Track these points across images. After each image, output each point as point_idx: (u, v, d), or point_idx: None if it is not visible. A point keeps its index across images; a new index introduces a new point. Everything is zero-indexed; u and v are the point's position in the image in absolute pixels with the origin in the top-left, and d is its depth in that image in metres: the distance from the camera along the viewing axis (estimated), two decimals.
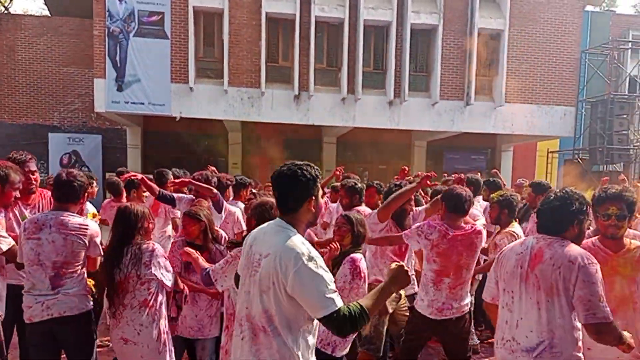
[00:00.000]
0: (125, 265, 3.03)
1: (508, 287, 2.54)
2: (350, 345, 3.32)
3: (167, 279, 3.14)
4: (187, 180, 4.55)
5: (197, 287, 3.52)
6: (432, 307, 3.64)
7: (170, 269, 3.21)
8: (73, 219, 3.19)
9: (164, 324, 3.18)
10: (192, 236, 3.58)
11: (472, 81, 12.89)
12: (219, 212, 4.45)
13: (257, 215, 3.02)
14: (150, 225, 3.25)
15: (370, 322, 4.06)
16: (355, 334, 3.16)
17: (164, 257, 3.20)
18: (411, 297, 4.20)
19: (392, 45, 12.51)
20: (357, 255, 3.26)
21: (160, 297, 3.15)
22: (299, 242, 2.03)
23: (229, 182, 5.20)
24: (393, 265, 2.18)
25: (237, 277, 2.34)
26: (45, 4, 16.12)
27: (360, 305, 1.98)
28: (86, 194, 3.43)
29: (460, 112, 13.22)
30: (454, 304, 3.66)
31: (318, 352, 3.34)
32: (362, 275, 3.19)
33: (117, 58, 11.94)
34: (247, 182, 5.74)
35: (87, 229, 3.19)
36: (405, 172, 5.86)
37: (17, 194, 3.25)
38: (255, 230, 2.32)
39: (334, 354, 3.22)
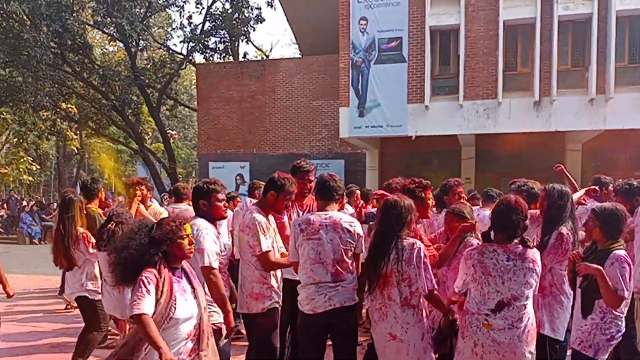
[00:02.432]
0: (390, 259, 3.12)
1: None
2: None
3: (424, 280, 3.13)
4: None
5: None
6: None
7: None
8: (344, 217, 3.46)
9: (427, 323, 3.21)
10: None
11: None
12: None
13: None
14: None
15: None
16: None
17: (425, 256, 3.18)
18: None
19: None
20: (621, 252, 3.13)
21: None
22: None
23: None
24: None
25: None
26: (298, 46, 18.70)
27: None
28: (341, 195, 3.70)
29: None
30: None
31: (576, 353, 3.24)
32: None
33: (359, 86, 13.08)
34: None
35: (355, 227, 3.43)
36: None
37: (289, 204, 3.71)
38: None
39: (596, 357, 3.10)
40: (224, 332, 3.32)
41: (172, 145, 23.12)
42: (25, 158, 28.00)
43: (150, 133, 28.92)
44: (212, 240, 3.19)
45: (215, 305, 3.21)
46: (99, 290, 4.69)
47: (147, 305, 2.46)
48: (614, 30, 11.28)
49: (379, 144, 15.40)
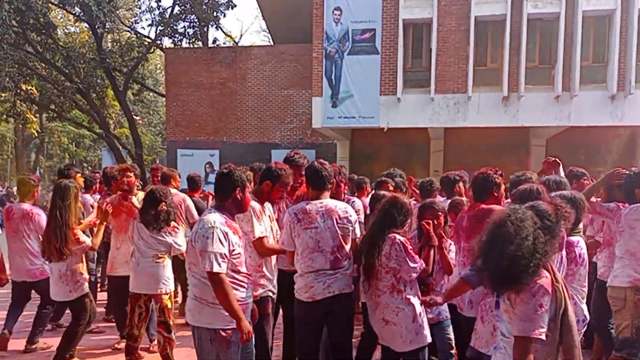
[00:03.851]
0: (376, 254, 3.28)
1: None
2: None
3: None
4: None
5: None
6: None
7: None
8: (338, 204, 3.46)
9: (417, 307, 3.30)
10: None
11: None
12: None
13: None
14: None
15: (631, 324, 3.75)
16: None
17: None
18: None
19: (616, 35, 11.56)
20: (574, 239, 3.12)
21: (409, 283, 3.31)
22: None
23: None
24: None
25: None
26: (270, 34, 18.48)
27: None
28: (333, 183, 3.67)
29: None
30: None
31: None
32: (579, 260, 3.10)
33: (333, 77, 13.06)
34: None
35: (350, 212, 3.47)
36: None
37: (284, 194, 3.69)
38: None
39: None
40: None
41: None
42: None
43: (114, 118, 28.14)
44: (219, 241, 2.86)
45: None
46: (75, 288, 4.41)
47: None
48: (580, 29, 11.65)
49: (350, 135, 15.47)
